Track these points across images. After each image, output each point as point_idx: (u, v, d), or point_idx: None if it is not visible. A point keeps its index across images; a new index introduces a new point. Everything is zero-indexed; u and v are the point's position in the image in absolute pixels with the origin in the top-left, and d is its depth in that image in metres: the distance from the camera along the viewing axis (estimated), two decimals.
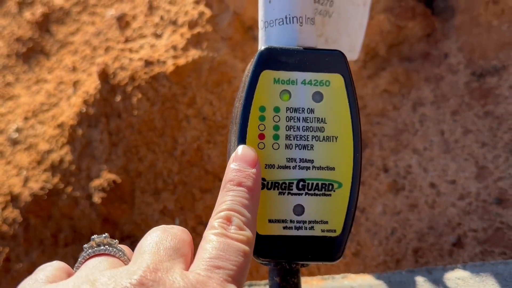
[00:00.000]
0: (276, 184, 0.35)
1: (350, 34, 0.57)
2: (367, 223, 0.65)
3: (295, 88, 0.37)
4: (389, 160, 0.68)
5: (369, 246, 0.64)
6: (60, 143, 0.84)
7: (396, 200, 0.65)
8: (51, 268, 0.26)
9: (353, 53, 0.58)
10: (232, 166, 0.32)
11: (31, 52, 1.15)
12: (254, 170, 0.32)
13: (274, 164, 0.35)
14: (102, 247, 0.27)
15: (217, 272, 0.24)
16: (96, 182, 0.77)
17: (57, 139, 0.85)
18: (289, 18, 0.40)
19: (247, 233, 0.28)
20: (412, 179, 0.66)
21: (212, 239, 0.26)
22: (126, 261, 0.27)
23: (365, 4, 0.57)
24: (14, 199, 0.83)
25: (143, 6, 0.90)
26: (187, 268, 0.25)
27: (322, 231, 0.36)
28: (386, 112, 0.70)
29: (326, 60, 0.37)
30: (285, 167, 0.36)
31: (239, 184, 0.30)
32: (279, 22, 0.41)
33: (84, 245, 0.28)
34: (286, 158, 0.36)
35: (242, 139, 0.35)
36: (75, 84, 0.92)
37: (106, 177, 0.76)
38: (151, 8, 0.86)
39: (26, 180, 0.85)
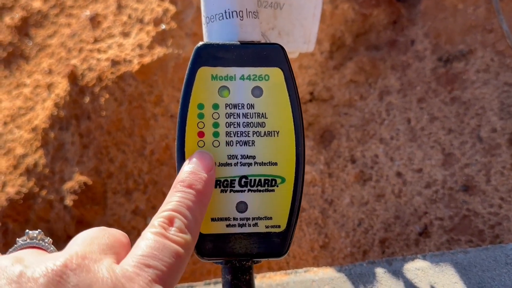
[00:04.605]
0: (218, 182, 0.34)
1: (304, 25, 0.56)
2: (335, 215, 0.65)
3: (233, 84, 0.36)
4: (356, 150, 0.67)
5: (336, 238, 0.64)
6: (34, 147, 0.84)
7: (363, 190, 0.64)
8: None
9: (308, 45, 0.57)
10: (186, 168, 0.31)
11: (11, 57, 1.15)
12: (206, 175, 0.31)
13: (215, 162, 0.35)
14: (35, 241, 0.28)
15: (146, 271, 0.24)
16: (68, 185, 0.77)
17: (32, 143, 0.85)
18: (229, 12, 0.39)
19: (187, 236, 0.27)
20: (379, 169, 0.65)
21: (148, 237, 0.26)
22: None
23: None
24: None
25: (114, 5, 0.89)
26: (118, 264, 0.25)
27: (267, 227, 0.36)
28: (353, 103, 0.70)
29: (264, 54, 0.37)
30: (227, 164, 0.35)
31: (189, 186, 0.30)
32: (219, 17, 0.40)
33: (17, 239, 0.28)
34: (227, 155, 0.35)
35: (181, 138, 0.35)
36: (49, 87, 0.91)
37: (78, 179, 0.76)
38: (120, 7, 0.86)
39: (3, 185, 0.85)
